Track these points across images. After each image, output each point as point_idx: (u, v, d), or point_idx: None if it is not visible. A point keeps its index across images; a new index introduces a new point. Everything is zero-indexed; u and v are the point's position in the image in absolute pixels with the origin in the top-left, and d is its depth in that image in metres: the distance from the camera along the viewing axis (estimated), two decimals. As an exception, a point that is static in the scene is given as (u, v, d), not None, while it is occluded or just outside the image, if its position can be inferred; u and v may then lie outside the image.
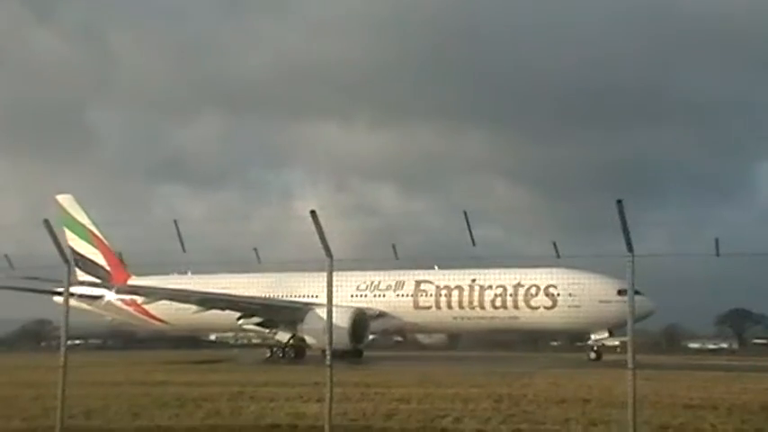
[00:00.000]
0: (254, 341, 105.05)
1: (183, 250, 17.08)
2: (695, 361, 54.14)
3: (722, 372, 36.62)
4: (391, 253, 15.97)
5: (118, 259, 60.09)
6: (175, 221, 16.85)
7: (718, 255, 13.85)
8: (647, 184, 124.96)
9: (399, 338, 63.35)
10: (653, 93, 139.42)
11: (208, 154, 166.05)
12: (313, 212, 14.49)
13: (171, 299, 54.53)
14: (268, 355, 55.21)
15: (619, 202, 12.90)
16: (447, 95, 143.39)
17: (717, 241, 13.83)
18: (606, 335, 47.95)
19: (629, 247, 13.14)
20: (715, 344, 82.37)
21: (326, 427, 14.40)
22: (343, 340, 48.51)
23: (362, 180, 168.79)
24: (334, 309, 53.54)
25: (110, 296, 61.31)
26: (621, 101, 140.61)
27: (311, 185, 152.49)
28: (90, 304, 62.14)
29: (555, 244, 15.03)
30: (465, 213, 15.11)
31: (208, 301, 52.99)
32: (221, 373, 34.74)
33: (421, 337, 58.69)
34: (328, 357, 14.90)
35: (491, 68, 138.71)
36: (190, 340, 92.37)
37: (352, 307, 50.78)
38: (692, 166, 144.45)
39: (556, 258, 15.32)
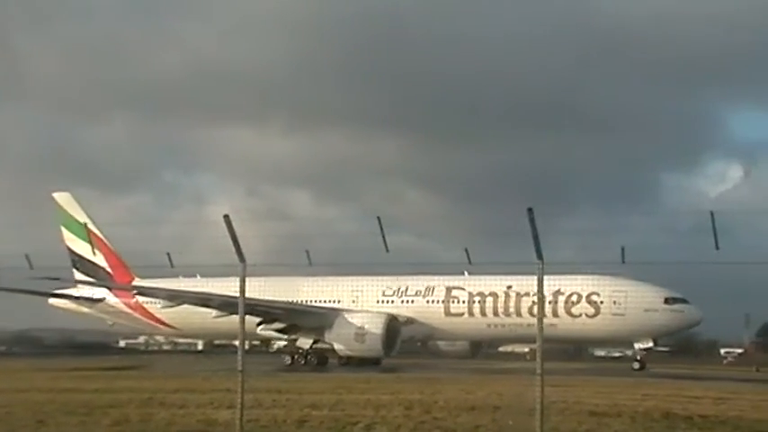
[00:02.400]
0: (165, 347, 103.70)
1: (93, 254, 16.84)
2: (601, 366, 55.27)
3: (626, 378, 37.48)
4: (305, 258, 15.99)
5: (119, 260, 57.91)
6: (86, 224, 16.59)
7: (623, 262, 14.23)
8: (559, 192, 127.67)
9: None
10: (565, 102, 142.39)
11: (119, 157, 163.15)
12: (226, 217, 14.42)
13: (192, 303, 50.87)
14: (289, 362, 51.97)
15: (529, 210, 13.10)
16: (361, 100, 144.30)
17: (623, 249, 14.21)
18: (651, 344, 47.49)
19: (539, 255, 13.37)
20: (620, 351, 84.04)
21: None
22: (375, 347, 47.62)
23: (276, 185, 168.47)
24: (364, 315, 50.08)
25: (111, 299, 59.26)
26: (535, 110, 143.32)
27: (224, 190, 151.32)
28: (90, 307, 60.20)
29: (467, 250, 15.25)
30: (379, 219, 15.24)
31: (230, 305, 49.38)
32: (131, 380, 34.12)
33: (442, 345, 56.75)
34: (239, 363, 14.79)
35: (405, 74, 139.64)
36: (100, 346, 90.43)
37: (384, 313, 49.33)
38: (603, 175, 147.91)
39: (469, 264, 15.52)
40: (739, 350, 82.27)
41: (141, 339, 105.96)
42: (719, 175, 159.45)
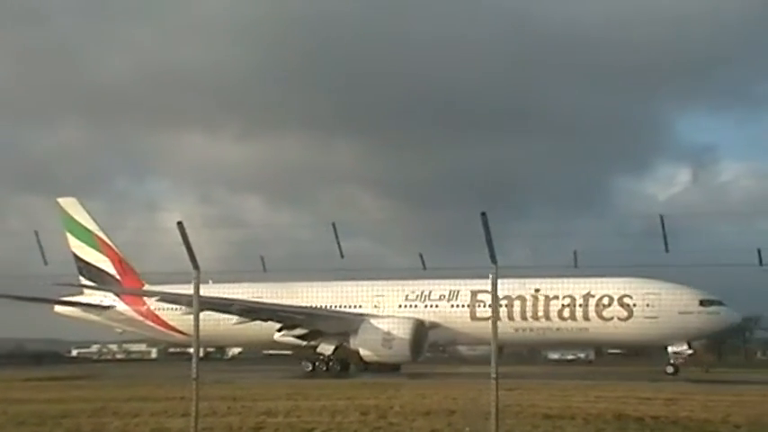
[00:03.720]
0: (119, 356, 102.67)
1: (45, 263, 16.62)
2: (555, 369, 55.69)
3: (580, 380, 37.81)
4: (259, 264, 15.93)
5: (128, 267, 56.60)
6: (36, 232, 16.39)
7: (576, 266, 14.39)
8: (513, 196, 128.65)
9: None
10: (518, 107, 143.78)
11: (69, 163, 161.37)
12: (180, 224, 14.32)
13: (211, 309, 46.85)
14: (310, 368, 50.51)
15: (483, 214, 13.14)
16: (315, 106, 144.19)
17: (575, 253, 14.38)
18: (685, 347, 46.57)
19: (493, 259, 13.44)
20: (573, 354, 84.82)
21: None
22: (403, 352, 46.83)
23: (229, 191, 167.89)
24: (391, 320, 49.48)
25: (121, 306, 57.63)
26: (488, 114, 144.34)
27: (177, 196, 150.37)
28: (98, 315, 58.59)
29: (421, 255, 15.30)
30: (333, 225, 15.24)
31: (252, 311, 48.72)
32: (83, 389, 33.66)
33: (463, 350, 55.59)
34: (194, 370, 14.69)
35: (359, 78, 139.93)
36: (51, 356, 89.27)
37: (411, 318, 48.44)
38: (556, 179, 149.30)
39: (423, 270, 15.55)
40: (689, 351, 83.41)
41: (94, 348, 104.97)
42: (669, 178, 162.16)
